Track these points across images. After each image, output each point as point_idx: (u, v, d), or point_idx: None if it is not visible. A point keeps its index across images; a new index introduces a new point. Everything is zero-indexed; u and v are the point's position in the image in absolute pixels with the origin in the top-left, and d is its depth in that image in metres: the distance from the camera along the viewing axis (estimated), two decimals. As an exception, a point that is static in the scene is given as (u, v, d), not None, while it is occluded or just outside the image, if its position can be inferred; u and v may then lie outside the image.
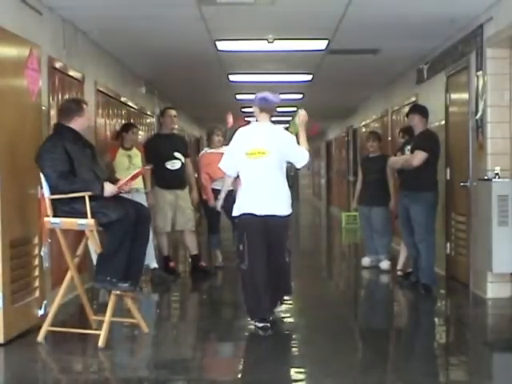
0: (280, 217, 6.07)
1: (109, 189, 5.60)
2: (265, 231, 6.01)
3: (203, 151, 9.72)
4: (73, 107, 5.85)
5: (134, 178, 6.04)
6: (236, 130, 6.41)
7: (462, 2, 6.97)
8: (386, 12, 7.34)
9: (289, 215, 6.17)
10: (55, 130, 5.94)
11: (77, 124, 5.80)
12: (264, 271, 5.95)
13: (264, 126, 6.20)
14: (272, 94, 6.21)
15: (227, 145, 9.51)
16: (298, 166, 6.29)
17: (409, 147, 7.82)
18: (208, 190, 9.17)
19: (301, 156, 6.14)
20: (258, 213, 6.01)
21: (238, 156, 6.18)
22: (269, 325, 5.95)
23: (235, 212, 6.19)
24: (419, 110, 7.85)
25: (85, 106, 5.91)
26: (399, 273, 8.68)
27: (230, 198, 8.53)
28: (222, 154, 9.14)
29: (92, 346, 5.51)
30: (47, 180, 5.56)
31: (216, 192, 9.15)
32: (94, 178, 5.68)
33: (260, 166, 6.06)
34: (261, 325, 5.95)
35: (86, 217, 5.49)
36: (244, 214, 6.07)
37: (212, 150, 9.39)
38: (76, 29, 7.77)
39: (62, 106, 6.01)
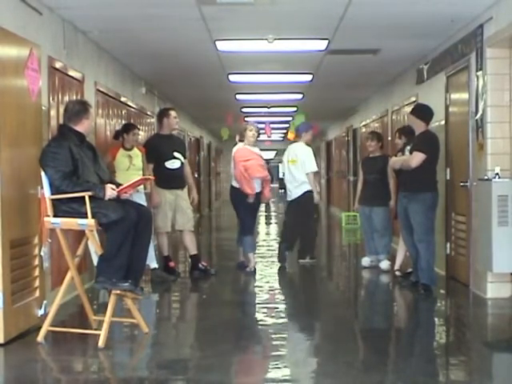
0: (304, 192, 9.68)
1: (109, 193, 5.60)
2: (294, 209, 9.86)
3: (237, 146, 9.29)
4: (81, 109, 5.84)
5: (135, 185, 6.03)
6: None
7: (461, 2, 6.97)
8: (386, 12, 7.34)
9: (307, 191, 9.68)
10: (60, 131, 5.94)
11: (83, 126, 5.81)
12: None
13: (297, 145, 10.08)
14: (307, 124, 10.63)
15: (242, 141, 9.25)
16: (305, 171, 9.74)
17: (409, 148, 7.83)
18: (250, 183, 8.92)
19: (308, 167, 9.76)
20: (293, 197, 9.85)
21: (285, 162, 10.06)
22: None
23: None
24: (416, 111, 7.79)
25: (90, 108, 5.91)
26: (397, 273, 8.69)
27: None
28: (256, 153, 9.20)
29: (92, 346, 5.51)
30: (50, 180, 5.56)
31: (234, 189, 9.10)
32: (97, 180, 5.71)
33: (293, 168, 9.81)
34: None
35: (86, 217, 5.49)
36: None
37: (248, 147, 9.11)
38: (76, 29, 7.77)
39: (69, 107, 5.93)
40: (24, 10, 6.23)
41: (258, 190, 9.03)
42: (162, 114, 9.01)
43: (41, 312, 5.99)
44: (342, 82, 12.58)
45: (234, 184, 9.13)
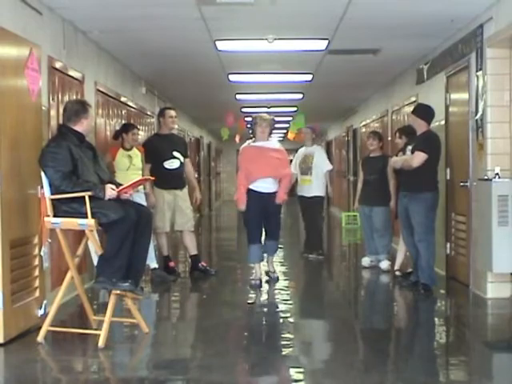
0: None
1: (109, 193, 5.60)
2: None
3: (244, 144, 8.40)
4: (80, 109, 5.83)
5: (135, 185, 6.03)
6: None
7: (461, 2, 6.97)
8: (386, 12, 7.34)
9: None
10: (59, 131, 5.93)
11: (82, 126, 5.80)
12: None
13: None
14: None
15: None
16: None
17: (410, 147, 7.82)
18: (241, 191, 8.09)
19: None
20: None
21: None
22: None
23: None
24: (417, 111, 7.80)
25: (89, 108, 5.91)
26: (397, 273, 8.69)
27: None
28: (268, 149, 8.09)
29: (92, 346, 5.51)
30: (50, 180, 5.56)
31: (253, 193, 8.06)
32: (97, 180, 5.71)
33: None
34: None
35: (86, 217, 5.49)
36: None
37: (254, 144, 8.22)
38: (76, 29, 7.77)
39: (68, 107, 5.93)
40: (24, 10, 6.23)
41: (273, 189, 8.10)
42: (160, 114, 9.07)
43: (41, 312, 5.99)
44: (342, 82, 12.58)
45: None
